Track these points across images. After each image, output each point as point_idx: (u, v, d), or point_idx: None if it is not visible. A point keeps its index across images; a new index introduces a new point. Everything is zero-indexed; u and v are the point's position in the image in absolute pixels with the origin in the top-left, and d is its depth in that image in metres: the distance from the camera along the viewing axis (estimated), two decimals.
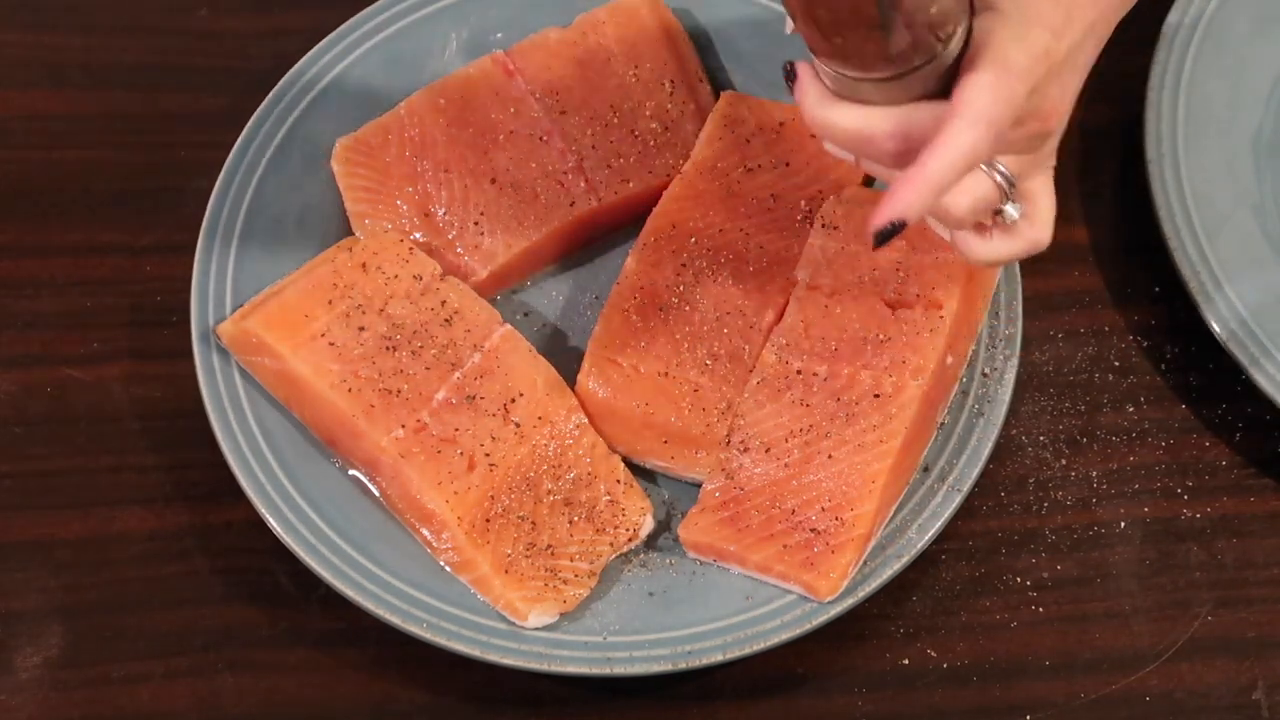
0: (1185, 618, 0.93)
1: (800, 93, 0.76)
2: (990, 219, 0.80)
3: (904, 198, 0.72)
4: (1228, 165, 1.01)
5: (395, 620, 0.86)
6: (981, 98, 0.70)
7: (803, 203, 0.97)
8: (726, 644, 0.86)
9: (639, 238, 0.96)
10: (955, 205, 0.76)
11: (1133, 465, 0.97)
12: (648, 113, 1.00)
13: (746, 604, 0.88)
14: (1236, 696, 0.91)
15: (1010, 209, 0.79)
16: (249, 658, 0.90)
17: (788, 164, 0.98)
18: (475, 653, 0.86)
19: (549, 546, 0.89)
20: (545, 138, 0.99)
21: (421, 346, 0.92)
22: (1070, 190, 1.06)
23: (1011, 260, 0.82)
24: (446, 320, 0.93)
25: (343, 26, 1.02)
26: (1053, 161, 0.81)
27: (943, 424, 0.93)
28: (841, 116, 0.74)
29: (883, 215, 0.72)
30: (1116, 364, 1.00)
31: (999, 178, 0.77)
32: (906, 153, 0.73)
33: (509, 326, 0.94)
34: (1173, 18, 1.04)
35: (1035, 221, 0.81)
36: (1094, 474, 0.97)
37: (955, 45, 0.71)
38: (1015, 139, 0.75)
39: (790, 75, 0.75)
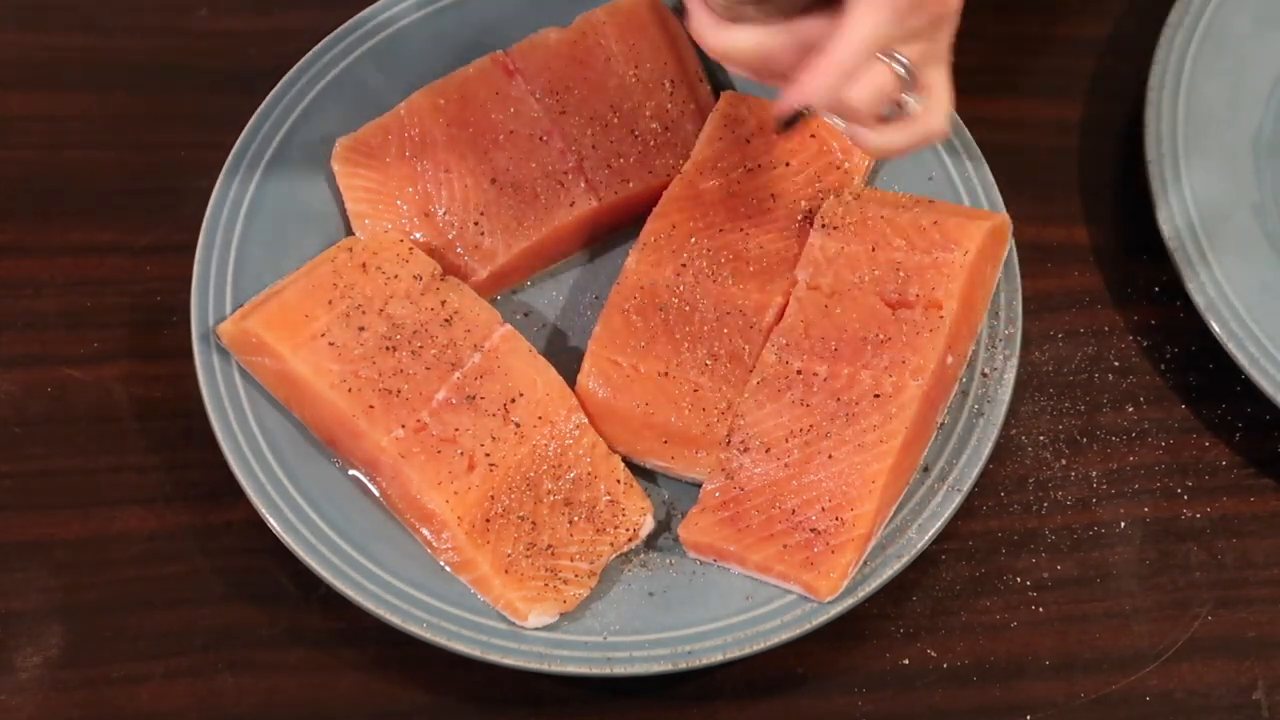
0: (1185, 618, 0.93)
1: (694, 23, 0.78)
2: (889, 110, 0.80)
3: (810, 83, 0.74)
4: (1228, 165, 1.01)
5: (395, 620, 0.86)
6: None
7: (803, 203, 0.97)
8: (726, 644, 0.86)
9: (639, 238, 0.96)
10: (857, 96, 0.77)
11: (1133, 465, 0.97)
12: (648, 113, 1.00)
13: (746, 604, 0.88)
14: (1236, 696, 0.91)
15: (911, 100, 0.80)
16: (249, 658, 0.90)
17: (788, 164, 0.98)
18: (475, 653, 0.86)
19: (549, 546, 0.89)
20: (545, 138, 0.99)
21: (421, 346, 0.92)
22: (1070, 190, 1.06)
23: (906, 149, 0.83)
24: (446, 320, 0.93)
25: (343, 26, 1.02)
26: (947, 54, 0.82)
27: (943, 424, 0.93)
28: (739, 39, 0.76)
29: (789, 101, 0.74)
30: (1116, 364, 1.00)
31: (899, 68, 0.77)
32: (806, 65, 0.75)
33: (509, 326, 0.94)
34: (1173, 18, 1.04)
35: (931, 111, 0.81)
36: (1094, 474, 0.97)
37: None
38: (914, 25, 0.76)
39: (679, 9, 0.78)
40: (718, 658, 0.86)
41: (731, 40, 0.77)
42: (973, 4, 1.11)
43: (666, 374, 0.93)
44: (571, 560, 0.88)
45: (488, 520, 0.88)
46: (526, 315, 0.99)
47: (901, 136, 0.82)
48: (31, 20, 1.09)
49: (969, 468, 0.91)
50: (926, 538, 0.89)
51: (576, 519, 0.90)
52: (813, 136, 0.99)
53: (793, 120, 0.76)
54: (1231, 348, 0.95)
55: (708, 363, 0.93)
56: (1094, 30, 1.12)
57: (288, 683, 0.90)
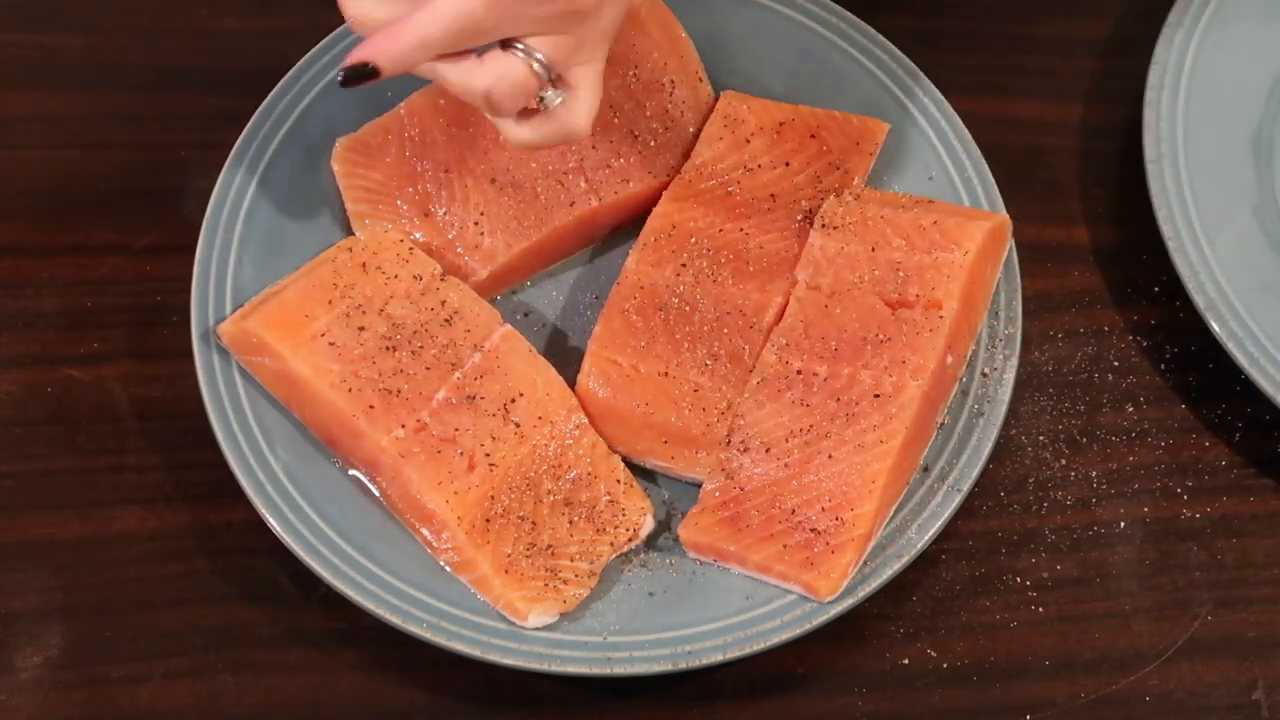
0: (1185, 618, 0.93)
1: None
2: (533, 104, 0.81)
3: (380, 44, 0.75)
4: (1228, 165, 1.01)
5: (395, 620, 0.86)
6: None
7: (803, 203, 0.97)
8: (726, 644, 0.86)
9: (639, 238, 0.96)
10: (487, 86, 0.77)
11: (1133, 465, 0.97)
12: (648, 113, 1.00)
13: (746, 604, 0.88)
14: (1236, 696, 0.91)
15: (550, 94, 0.80)
16: (249, 658, 0.90)
17: (788, 164, 0.98)
18: (475, 653, 0.86)
19: (549, 546, 0.89)
20: None
21: (421, 346, 0.92)
22: (1070, 190, 1.06)
23: (545, 143, 0.84)
24: (446, 320, 0.93)
25: (342, 26, 1.02)
26: (601, 53, 0.82)
27: (943, 424, 0.93)
28: (368, 7, 0.77)
29: (356, 55, 0.75)
30: (1116, 364, 1.00)
31: (535, 64, 0.78)
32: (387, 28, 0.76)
33: (509, 326, 0.94)
34: (1173, 18, 1.04)
35: (571, 107, 0.82)
36: (1094, 474, 0.97)
37: None
38: (541, 15, 0.76)
39: None
40: (718, 658, 0.86)
41: (360, 8, 0.78)
42: (973, 4, 1.12)
43: (666, 374, 0.93)
44: (571, 560, 0.88)
45: (488, 520, 0.88)
46: (526, 315, 0.99)
47: (536, 130, 0.82)
48: (31, 20, 1.09)
49: (969, 468, 0.91)
50: (926, 538, 0.89)
51: (576, 519, 0.90)
52: (813, 137, 0.99)
53: (356, 77, 0.76)
54: (1231, 348, 0.95)
55: (708, 363, 0.93)
56: (1094, 30, 1.12)
57: (288, 683, 0.90)
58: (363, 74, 0.76)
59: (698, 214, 0.96)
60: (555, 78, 0.80)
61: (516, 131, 0.83)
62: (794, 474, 0.89)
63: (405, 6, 0.76)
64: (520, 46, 0.78)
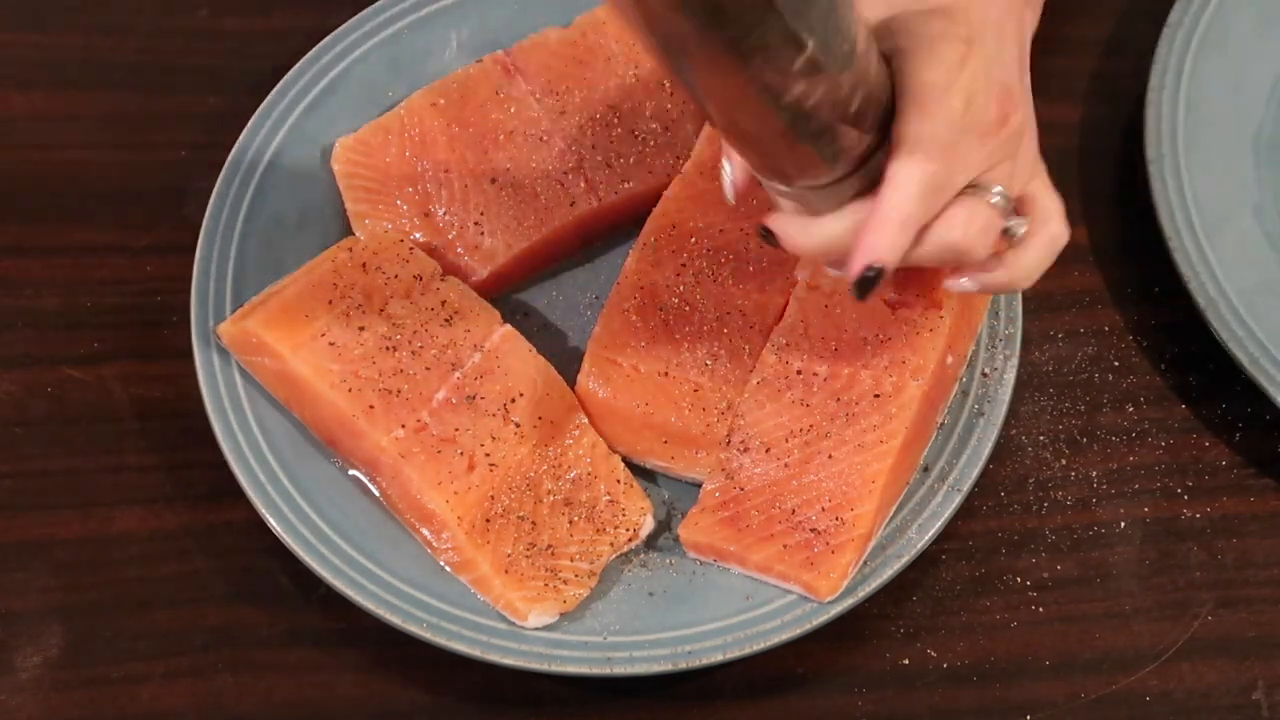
0: (1185, 618, 0.93)
1: (779, 227, 0.76)
2: (1002, 243, 0.79)
3: (871, 242, 0.73)
4: (1228, 165, 1.01)
5: (395, 620, 0.86)
6: (913, 128, 0.71)
7: None
8: (726, 644, 0.86)
9: (639, 238, 0.96)
10: (959, 240, 0.75)
11: (1133, 465, 0.97)
12: (648, 113, 1.00)
13: (746, 604, 0.88)
14: (1236, 696, 0.91)
15: (1015, 224, 0.78)
16: (249, 658, 0.90)
17: None
18: (475, 653, 0.86)
19: (549, 546, 0.89)
20: (545, 138, 0.99)
21: (421, 346, 0.92)
22: (1070, 190, 1.06)
23: (1040, 269, 0.81)
24: (446, 320, 0.93)
25: (343, 26, 1.02)
26: (1040, 165, 0.81)
27: (943, 424, 0.93)
28: (827, 229, 0.75)
29: (855, 263, 0.73)
30: (1116, 364, 1.00)
31: (994, 199, 0.76)
32: (861, 228, 0.74)
33: (509, 326, 0.94)
34: (1173, 18, 1.04)
35: (1048, 221, 0.80)
36: (1094, 474, 0.97)
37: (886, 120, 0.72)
38: (989, 151, 0.74)
39: (767, 235, 0.76)
40: (718, 658, 0.86)
41: (820, 233, 0.75)
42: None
43: (666, 374, 0.93)
44: (571, 560, 0.88)
45: (488, 520, 0.88)
46: (526, 315, 0.99)
47: (1027, 259, 0.80)
48: (31, 20, 1.09)
49: (969, 468, 0.91)
50: (926, 538, 0.89)
51: (576, 519, 0.90)
52: None
53: (868, 284, 0.74)
54: (1231, 348, 0.95)
55: (708, 363, 0.93)
56: (1094, 30, 1.12)
57: (288, 683, 0.90)
58: (875, 279, 0.74)
59: (698, 214, 0.96)
60: (1014, 206, 0.78)
61: (1007, 275, 0.80)
62: (794, 474, 0.89)
63: (861, 213, 0.74)
64: (975, 188, 0.75)
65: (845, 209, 0.75)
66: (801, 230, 0.76)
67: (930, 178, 0.72)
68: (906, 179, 0.72)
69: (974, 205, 0.75)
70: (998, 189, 0.76)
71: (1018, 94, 0.76)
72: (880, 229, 0.73)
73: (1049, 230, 0.80)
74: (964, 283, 0.81)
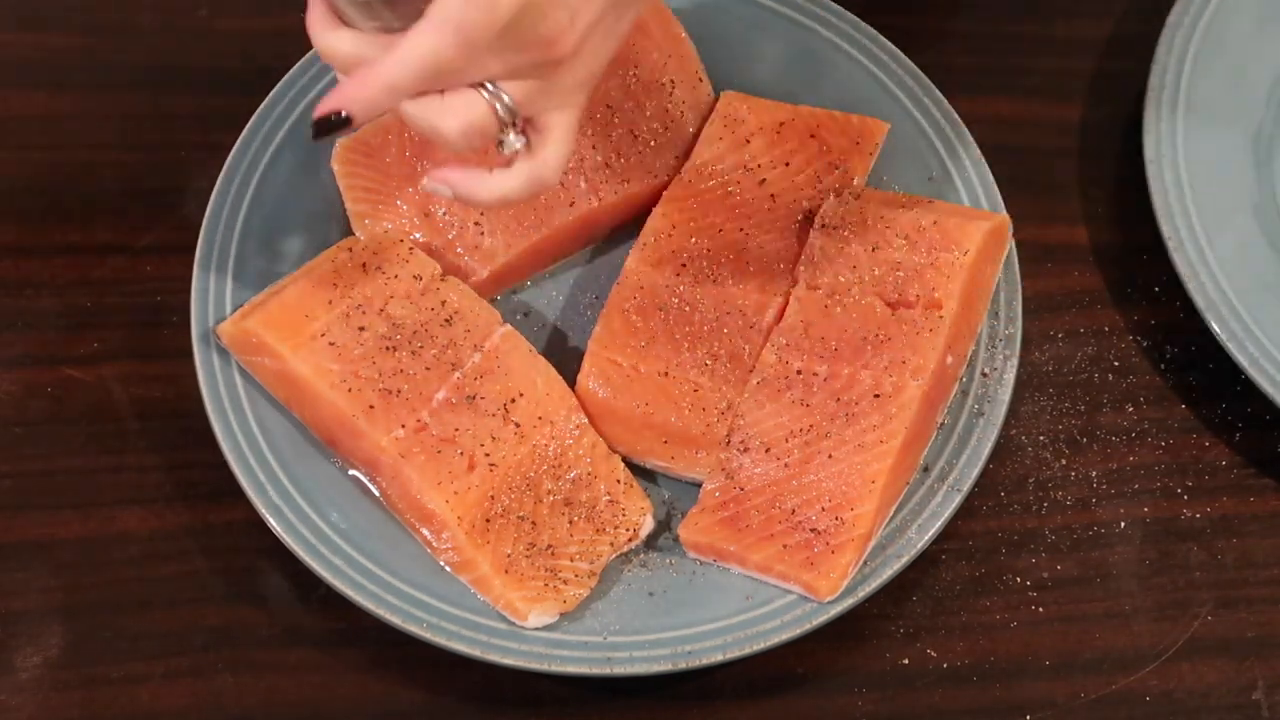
0: (1185, 618, 0.93)
1: (309, 15, 0.77)
2: (492, 149, 0.78)
3: (350, 92, 0.73)
4: (1228, 165, 1.01)
5: (395, 620, 0.86)
6: (443, 4, 0.71)
7: (803, 203, 0.97)
8: (726, 644, 0.86)
9: (639, 238, 0.96)
10: (444, 124, 0.75)
11: (1133, 465, 0.97)
12: (648, 113, 1.00)
13: (746, 604, 0.88)
14: (1236, 696, 0.91)
15: (511, 138, 0.78)
16: (248, 658, 0.90)
17: (788, 164, 0.98)
18: (475, 653, 0.86)
19: (549, 546, 0.89)
20: None
21: (421, 346, 0.92)
22: (1070, 190, 1.06)
23: (512, 198, 0.80)
24: (446, 320, 0.93)
25: None
26: (578, 100, 0.79)
27: (943, 424, 0.93)
28: (337, 41, 0.75)
29: (325, 105, 0.73)
30: (1116, 364, 1.00)
31: (499, 106, 0.76)
32: (353, 74, 0.74)
33: (509, 326, 0.94)
34: (1173, 18, 1.04)
35: (538, 156, 0.79)
36: (1094, 474, 0.97)
37: None
38: (516, 63, 0.74)
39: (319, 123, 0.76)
40: (718, 658, 0.86)
41: (331, 42, 0.76)
42: (973, 4, 1.13)
43: (666, 374, 0.93)
44: (571, 560, 0.88)
45: (488, 520, 0.88)
46: (526, 315, 0.99)
47: (504, 182, 0.79)
48: (31, 20, 1.09)
49: (969, 468, 0.91)
50: (926, 538, 0.89)
51: (576, 519, 0.90)
52: (813, 137, 0.99)
53: (327, 128, 0.74)
54: (1231, 348, 0.95)
55: (708, 363, 0.93)
56: (1094, 30, 1.12)
57: (287, 683, 0.90)
58: (335, 124, 0.74)
59: (698, 214, 0.96)
60: (521, 122, 0.78)
61: (480, 185, 0.80)
62: (794, 474, 0.89)
63: (374, 48, 0.75)
64: (488, 87, 0.76)
65: (361, 35, 0.75)
66: (320, 26, 0.76)
67: (436, 59, 0.72)
68: (412, 48, 0.72)
69: (474, 99, 0.75)
70: (508, 98, 0.76)
71: (581, 35, 0.75)
72: (364, 84, 0.73)
73: (538, 164, 0.79)
74: (439, 187, 0.81)
